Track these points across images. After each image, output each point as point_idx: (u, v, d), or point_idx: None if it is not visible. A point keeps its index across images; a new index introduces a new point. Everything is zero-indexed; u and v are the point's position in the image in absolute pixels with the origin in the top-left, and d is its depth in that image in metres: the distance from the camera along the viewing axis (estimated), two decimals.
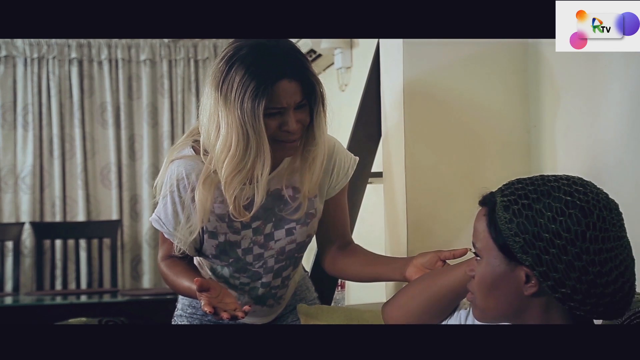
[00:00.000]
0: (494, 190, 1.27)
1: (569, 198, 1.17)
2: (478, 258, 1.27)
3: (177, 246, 1.71)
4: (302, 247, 1.81)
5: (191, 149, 1.68)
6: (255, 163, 1.56)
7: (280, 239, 1.75)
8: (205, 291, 1.54)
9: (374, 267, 1.77)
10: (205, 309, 1.49)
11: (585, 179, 1.25)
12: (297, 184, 1.71)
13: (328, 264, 1.86)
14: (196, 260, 1.84)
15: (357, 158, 1.83)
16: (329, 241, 1.85)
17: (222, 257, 1.76)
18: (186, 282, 1.67)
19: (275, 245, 1.75)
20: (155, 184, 1.72)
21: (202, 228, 1.69)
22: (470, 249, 1.32)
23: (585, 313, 1.19)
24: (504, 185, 1.27)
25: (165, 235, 1.73)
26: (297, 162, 1.69)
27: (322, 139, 1.66)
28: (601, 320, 1.47)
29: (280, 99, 1.54)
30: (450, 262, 1.58)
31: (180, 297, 1.92)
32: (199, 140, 1.65)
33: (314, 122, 1.63)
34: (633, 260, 1.22)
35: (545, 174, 1.27)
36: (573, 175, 1.25)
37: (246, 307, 1.53)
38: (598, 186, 1.24)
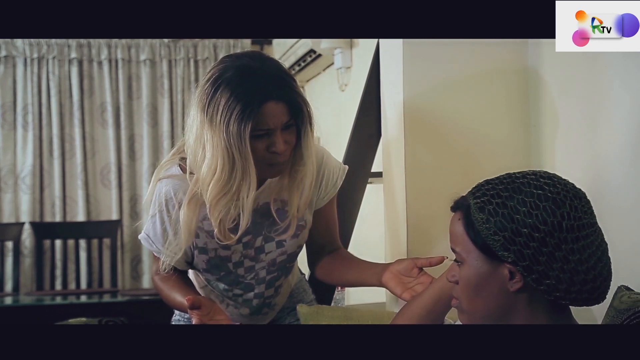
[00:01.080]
0: (464, 195, 1.29)
1: (540, 192, 1.20)
2: (459, 263, 1.28)
3: (163, 263, 1.71)
4: (293, 257, 1.81)
5: (178, 168, 1.67)
6: (241, 186, 1.55)
7: (271, 251, 1.75)
8: (197, 309, 1.55)
9: (354, 272, 1.78)
10: None
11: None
12: (286, 198, 1.70)
13: (317, 269, 1.88)
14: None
15: (347, 167, 1.83)
16: (318, 248, 1.86)
17: (213, 271, 1.76)
18: (179, 297, 1.67)
19: (266, 257, 1.75)
20: (144, 202, 1.72)
21: (192, 244, 1.69)
22: (447, 257, 1.33)
23: (570, 301, 1.22)
24: (473, 188, 1.29)
25: (155, 253, 1.74)
26: (285, 180, 1.68)
27: (311, 159, 1.65)
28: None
29: (267, 120, 1.53)
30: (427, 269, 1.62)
31: None
32: (186, 159, 1.64)
33: (302, 142, 1.62)
34: (607, 244, 1.25)
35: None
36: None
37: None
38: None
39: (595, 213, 1.26)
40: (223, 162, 1.53)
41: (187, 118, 1.63)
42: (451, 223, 1.30)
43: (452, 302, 1.33)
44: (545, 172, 1.27)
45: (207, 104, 1.53)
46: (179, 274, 1.76)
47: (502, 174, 1.29)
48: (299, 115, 1.58)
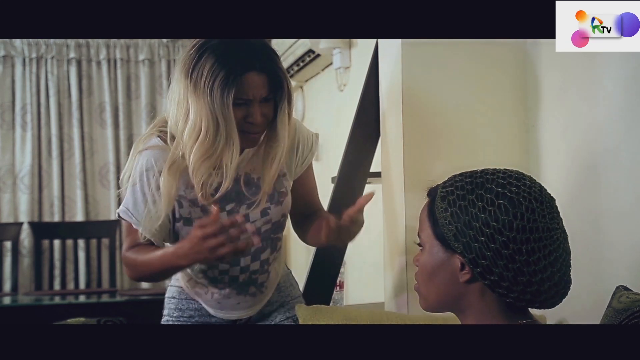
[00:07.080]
0: (438, 183, 1.33)
1: (500, 190, 1.23)
2: (421, 247, 1.32)
3: (142, 234, 1.69)
4: (278, 227, 1.82)
5: (158, 139, 1.69)
6: (225, 150, 1.59)
7: (256, 220, 1.76)
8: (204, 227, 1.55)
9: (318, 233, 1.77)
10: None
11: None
12: (260, 173, 1.74)
13: (297, 230, 1.92)
14: None
15: (318, 133, 1.87)
16: (299, 213, 1.89)
17: None
18: (159, 252, 1.65)
19: (251, 226, 1.75)
20: (121, 178, 1.72)
21: (175, 216, 1.70)
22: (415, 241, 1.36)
23: (514, 300, 1.23)
24: (448, 177, 1.32)
25: (134, 226, 1.70)
26: (261, 155, 1.71)
27: (284, 136, 1.68)
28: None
29: (247, 90, 1.57)
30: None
31: (166, 302, 1.91)
32: (165, 131, 1.66)
33: (278, 118, 1.65)
34: (567, 252, 1.26)
35: (525, 171, 1.29)
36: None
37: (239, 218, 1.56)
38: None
39: (560, 219, 1.25)
40: (207, 126, 1.56)
41: (168, 87, 1.66)
42: (421, 209, 1.34)
43: (414, 286, 1.36)
44: (520, 172, 1.28)
45: (191, 69, 1.57)
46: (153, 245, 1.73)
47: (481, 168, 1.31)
48: (278, 91, 1.62)
